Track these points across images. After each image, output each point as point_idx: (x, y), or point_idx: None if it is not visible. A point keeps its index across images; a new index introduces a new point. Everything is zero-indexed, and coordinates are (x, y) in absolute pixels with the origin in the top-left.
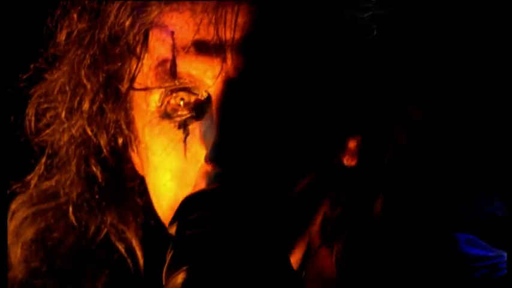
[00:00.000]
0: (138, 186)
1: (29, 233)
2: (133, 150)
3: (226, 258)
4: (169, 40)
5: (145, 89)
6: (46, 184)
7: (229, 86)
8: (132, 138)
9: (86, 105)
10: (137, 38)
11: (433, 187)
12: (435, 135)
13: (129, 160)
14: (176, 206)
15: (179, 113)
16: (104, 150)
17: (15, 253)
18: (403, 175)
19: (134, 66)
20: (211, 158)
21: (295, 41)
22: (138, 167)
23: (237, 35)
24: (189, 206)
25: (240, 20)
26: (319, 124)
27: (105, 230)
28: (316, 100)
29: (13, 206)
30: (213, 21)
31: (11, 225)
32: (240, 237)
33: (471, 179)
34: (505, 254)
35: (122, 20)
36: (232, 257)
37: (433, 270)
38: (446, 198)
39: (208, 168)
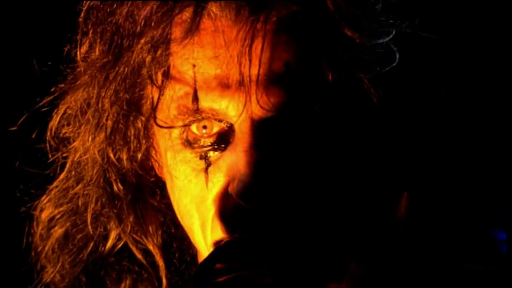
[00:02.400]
0: (158, 195)
1: (59, 233)
2: (153, 158)
3: None
4: (190, 73)
5: (171, 127)
6: (67, 193)
7: (255, 122)
8: (153, 150)
9: (107, 127)
10: (159, 71)
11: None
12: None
13: (148, 169)
14: (195, 225)
15: (201, 143)
16: (125, 165)
17: (46, 253)
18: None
19: (156, 96)
20: (239, 194)
21: (319, 75)
22: (158, 171)
23: (261, 71)
24: (216, 257)
25: (264, 56)
26: (345, 157)
27: (125, 239)
28: (342, 132)
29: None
30: (236, 56)
31: (39, 226)
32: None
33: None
34: None
35: (144, 53)
36: None
37: (481, 272)
38: (478, 196)
39: (234, 201)
